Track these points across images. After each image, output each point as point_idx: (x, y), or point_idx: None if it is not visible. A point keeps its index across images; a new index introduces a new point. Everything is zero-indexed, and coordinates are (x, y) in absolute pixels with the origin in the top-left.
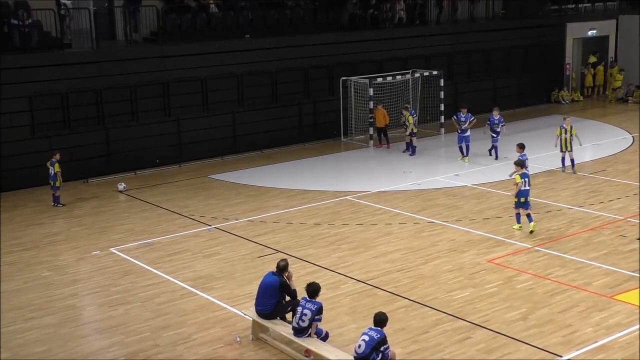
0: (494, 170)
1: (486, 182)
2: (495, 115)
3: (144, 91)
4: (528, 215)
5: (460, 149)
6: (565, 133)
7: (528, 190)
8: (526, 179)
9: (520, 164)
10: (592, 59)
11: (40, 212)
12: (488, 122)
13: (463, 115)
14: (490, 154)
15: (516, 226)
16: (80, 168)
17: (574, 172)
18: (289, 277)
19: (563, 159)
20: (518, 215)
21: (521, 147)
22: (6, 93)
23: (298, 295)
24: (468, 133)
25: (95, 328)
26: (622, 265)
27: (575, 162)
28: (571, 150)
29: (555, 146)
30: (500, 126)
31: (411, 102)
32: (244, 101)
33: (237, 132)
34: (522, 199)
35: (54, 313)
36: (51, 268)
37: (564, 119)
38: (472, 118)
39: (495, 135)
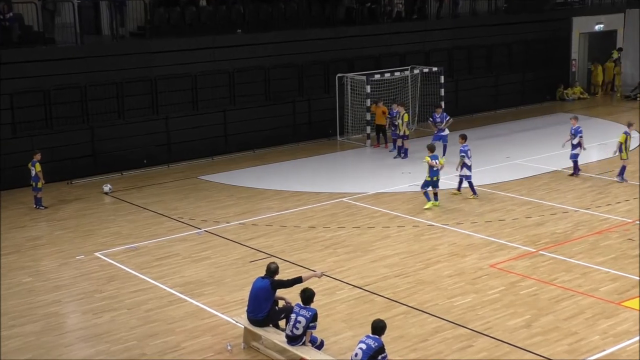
0: (496, 171)
1: (488, 184)
2: (574, 124)
3: (130, 88)
4: (435, 195)
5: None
6: (629, 140)
7: (438, 170)
8: (436, 160)
9: (431, 148)
10: (616, 55)
11: (22, 214)
12: (571, 132)
13: (438, 115)
14: (575, 173)
15: (428, 205)
16: (64, 168)
17: (622, 180)
18: None
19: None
20: (427, 194)
21: (463, 137)
22: None
23: (292, 302)
24: (445, 132)
25: (80, 336)
26: (631, 270)
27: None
28: (627, 158)
29: (614, 153)
30: (578, 137)
31: (410, 100)
32: (236, 99)
33: (228, 131)
34: (435, 178)
35: (36, 321)
36: (33, 273)
37: (630, 124)
38: (448, 117)
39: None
